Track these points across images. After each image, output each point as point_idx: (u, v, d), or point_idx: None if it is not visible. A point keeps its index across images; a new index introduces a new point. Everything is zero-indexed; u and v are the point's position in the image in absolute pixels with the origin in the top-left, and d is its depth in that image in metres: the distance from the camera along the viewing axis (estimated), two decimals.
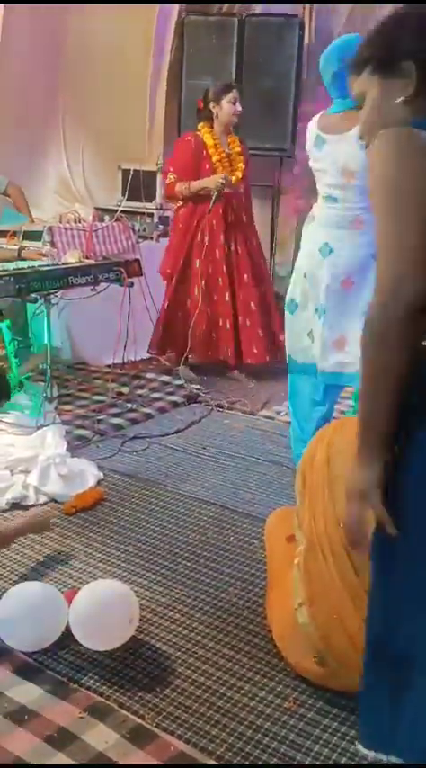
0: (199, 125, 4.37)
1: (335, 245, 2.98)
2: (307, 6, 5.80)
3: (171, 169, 4.35)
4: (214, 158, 4.28)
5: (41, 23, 4.89)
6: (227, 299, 4.37)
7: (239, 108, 4.26)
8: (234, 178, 4.27)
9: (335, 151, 2.98)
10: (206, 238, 4.31)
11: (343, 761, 1.71)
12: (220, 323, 4.41)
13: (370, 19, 6.01)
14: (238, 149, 4.37)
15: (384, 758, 1.31)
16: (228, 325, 4.39)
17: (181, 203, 4.41)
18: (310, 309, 3.12)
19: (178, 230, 4.45)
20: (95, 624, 2.02)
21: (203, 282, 4.35)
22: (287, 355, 3.22)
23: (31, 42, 4.86)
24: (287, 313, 3.19)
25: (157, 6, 5.34)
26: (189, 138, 4.38)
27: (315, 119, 3.14)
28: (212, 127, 4.33)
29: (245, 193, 4.50)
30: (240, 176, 4.33)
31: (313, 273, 3.06)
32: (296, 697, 1.90)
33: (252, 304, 4.40)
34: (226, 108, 4.25)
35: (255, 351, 4.40)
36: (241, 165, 4.36)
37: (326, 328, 3.03)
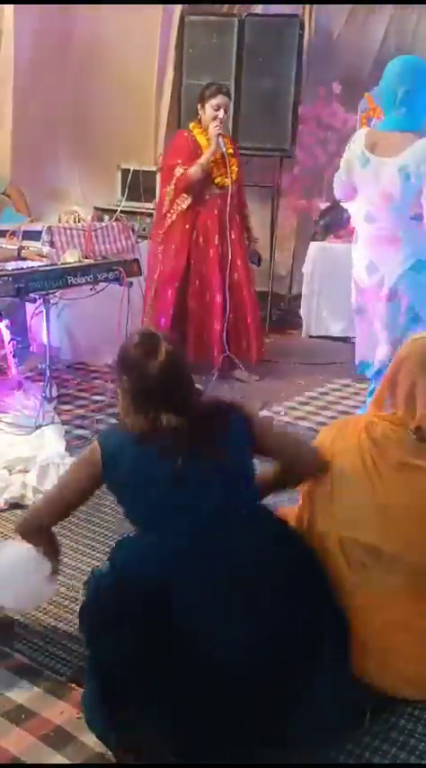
0: (191, 124, 4.34)
1: (379, 262, 3.14)
2: (307, 6, 5.80)
3: (179, 161, 4.26)
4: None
5: (48, 24, 4.89)
6: (219, 299, 4.33)
7: (221, 115, 4.16)
8: (229, 181, 4.23)
9: (377, 171, 3.06)
10: (200, 239, 4.30)
11: (341, 759, 1.70)
12: (213, 324, 4.37)
13: (370, 20, 6.02)
14: (231, 150, 4.30)
15: None
16: (219, 326, 4.35)
17: (182, 207, 4.33)
18: (369, 319, 3.40)
19: (177, 234, 4.37)
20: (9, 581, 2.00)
21: (196, 282, 4.35)
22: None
23: (36, 42, 4.86)
24: (356, 317, 3.48)
25: (162, 6, 5.35)
26: (185, 134, 4.35)
27: (362, 133, 3.26)
28: (202, 127, 4.27)
29: (238, 194, 4.46)
30: (234, 178, 4.28)
31: (366, 289, 3.32)
32: None
33: (244, 303, 4.42)
34: (208, 112, 4.19)
35: (245, 347, 4.45)
36: (234, 168, 4.31)
37: (384, 335, 3.31)
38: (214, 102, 4.15)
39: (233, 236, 4.33)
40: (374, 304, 3.32)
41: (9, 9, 4.64)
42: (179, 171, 4.25)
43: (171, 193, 4.34)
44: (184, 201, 4.32)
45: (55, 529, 2.05)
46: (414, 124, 3.06)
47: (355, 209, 3.38)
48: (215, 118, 4.15)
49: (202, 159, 4.18)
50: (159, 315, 4.42)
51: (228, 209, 4.24)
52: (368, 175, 3.15)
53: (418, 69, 3.07)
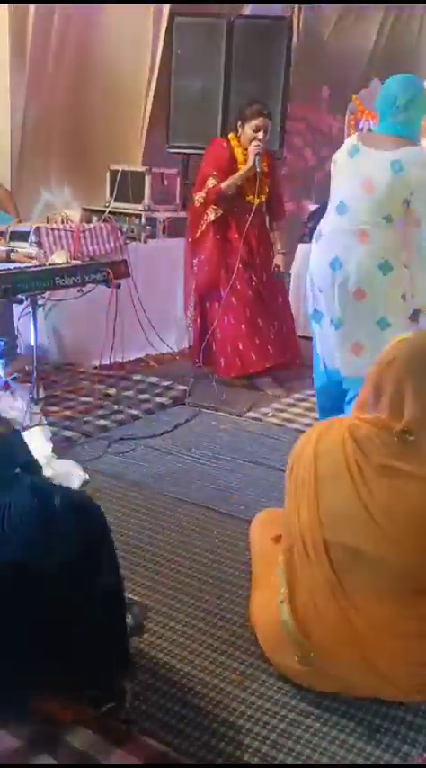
0: (230, 135, 4.32)
1: (345, 258, 3.06)
2: (296, 9, 5.83)
3: (213, 173, 4.24)
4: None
5: (40, 25, 4.87)
6: (248, 313, 4.36)
7: (260, 136, 4.12)
8: (257, 200, 4.24)
9: (365, 161, 3.08)
10: (229, 251, 4.31)
11: (324, 761, 1.71)
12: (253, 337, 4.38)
13: (360, 22, 6.06)
14: (266, 169, 4.29)
15: None
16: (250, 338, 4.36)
17: (210, 217, 4.33)
18: (327, 321, 3.24)
19: (208, 245, 4.38)
20: None
21: (230, 295, 4.33)
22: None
23: (28, 44, 4.84)
24: (314, 323, 3.32)
25: (152, 6, 5.35)
26: (224, 144, 4.32)
27: (356, 135, 3.33)
28: (240, 142, 4.26)
29: (273, 209, 4.50)
30: (264, 200, 4.31)
31: (326, 287, 3.18)
32: (278, 698, 1.90)
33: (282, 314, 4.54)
34: (248, 133, 4.16)
35: (272, 352, 4.41)
36: (266, 188, 4.32)
37: (343, 338, 3.17)
38: (254, 123, 4.13)
39: (261, 250, 4.39)
40: (332, 306, 3.17)
41: (3, 10, 4.62)
42: (211, 182, 4.25)
43: (200, 201, 4.34)
44: (213, 213, 4.32)
45: None
46: (410, 133, 3.12)
47: (329, 207, 3.28)
48: (254, 139, 4.13)
49: (236, 176, 4.18)
50: (201, 328, 4.48)
51: (248, 224, 4.20)
52: (352, 165, 3.13)
53: (418, 84, 3.17)
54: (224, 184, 4.20)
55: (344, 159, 3.19)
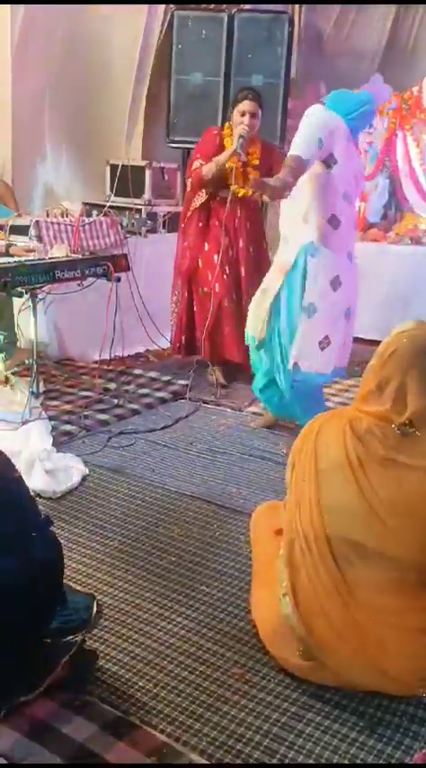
0: (226, 124, 4.24)
1: (290, 236, 3.19)
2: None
3: (198, 156, 4.19)
4: (227, 165, 4.05)
5: (30, 19, 4.86)
6: (226, 304, 4.23)
7: (246, 122, 3.96)
8: (241, 191, 4.12)
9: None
10: (209, 239, 4.23)
11: (326, 755, 1.70)
12: (222, 328, 4.27)
13: (360, 17, 6.03)
14: (256, 162, 4.13)
15: None
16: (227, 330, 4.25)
17: (196, 204, 4.27)
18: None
19: (192, 231, 4.31)
20: None
21: (202, 283, 4.27)
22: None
23: (26, 38, 4.83)
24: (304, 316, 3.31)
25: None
26: (214, 131, 4.27)
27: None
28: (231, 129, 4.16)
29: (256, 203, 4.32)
30: (249, 193, 4.11)
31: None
32: (280, 692, 1.90)
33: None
34: (235, 117, 4.06)
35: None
36: (250, 179, 4.05)
37: (313, 328, 3.25)
38: (240, 107, 4.03)
39: (240, 244, 4.24)
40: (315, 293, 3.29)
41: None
42: (195, 165, 4.19)
43: (189, 186, 4.30)
44: (199, 199, 4.26)
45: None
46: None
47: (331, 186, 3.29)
48: (242, 124, 4.00)
49: (216, 159, 4.07)
50: (180, 311, 4.40)
51: (227, 214, 4.03)
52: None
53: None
54: (204, 168, 4.11)
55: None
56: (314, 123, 3.18)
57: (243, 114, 4.00)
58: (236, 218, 4.22)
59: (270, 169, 4.00)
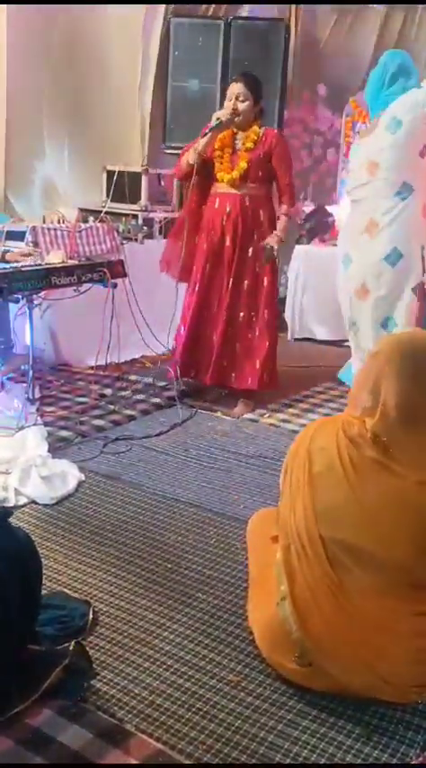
0: None
1: (353, 254, 3.12)
2: (293, 11, 5.83)
3: (184, 147, 4.04)
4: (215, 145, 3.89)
5: (26, 23, 4.87)
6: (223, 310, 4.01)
7: (229, 104, 3.80)
8: (227, 176, 3.87)
9: (364, 149, 3.16)
10: (205, 240, 4.01)
11: (322, 762, 1.70)
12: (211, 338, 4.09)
13: (357, 24, 6.05)
14: (250, 145, 3.85)
15: None
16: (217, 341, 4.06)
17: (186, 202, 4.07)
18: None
19: (201, 232, 4.05)
20: None
21: (206, 289, 4.06)
22: None
23: (17, 41, 4.83)
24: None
25: (144, 6, 5.34)
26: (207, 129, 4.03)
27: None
28: None
29: (258, 197, 3.95)
30: (237, 176, 3.85)
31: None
32: (275, 699, 1.89)
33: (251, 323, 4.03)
34: (225, 104, 3.89)
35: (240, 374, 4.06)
36: (243, 164, 3.85)
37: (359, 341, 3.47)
38: (228, 91, 3.88)
39: (229, 245, 3.96)
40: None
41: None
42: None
43: (178, 181, 4.21)
44: (188, 189, 4.05)
45: (44, 533, 2.03)
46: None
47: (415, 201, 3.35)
48: (228, 108, 3.84)
49: (195, 144, 3.85)
50: (182, 322, 4.20)
51: (229, 209, 3.89)
52: (356, 158, 3.45)
53: (404, 54, 3.44)
54: (184, 157, 3.93)
55: (353, 162, 3.32)
56: None
57: (230, 99, 3.85)
58: (235, 211, 3.93)
59: (267, 154, 3.85)
